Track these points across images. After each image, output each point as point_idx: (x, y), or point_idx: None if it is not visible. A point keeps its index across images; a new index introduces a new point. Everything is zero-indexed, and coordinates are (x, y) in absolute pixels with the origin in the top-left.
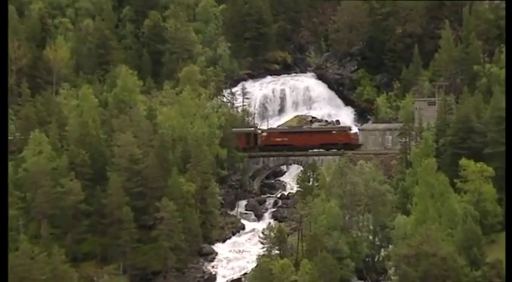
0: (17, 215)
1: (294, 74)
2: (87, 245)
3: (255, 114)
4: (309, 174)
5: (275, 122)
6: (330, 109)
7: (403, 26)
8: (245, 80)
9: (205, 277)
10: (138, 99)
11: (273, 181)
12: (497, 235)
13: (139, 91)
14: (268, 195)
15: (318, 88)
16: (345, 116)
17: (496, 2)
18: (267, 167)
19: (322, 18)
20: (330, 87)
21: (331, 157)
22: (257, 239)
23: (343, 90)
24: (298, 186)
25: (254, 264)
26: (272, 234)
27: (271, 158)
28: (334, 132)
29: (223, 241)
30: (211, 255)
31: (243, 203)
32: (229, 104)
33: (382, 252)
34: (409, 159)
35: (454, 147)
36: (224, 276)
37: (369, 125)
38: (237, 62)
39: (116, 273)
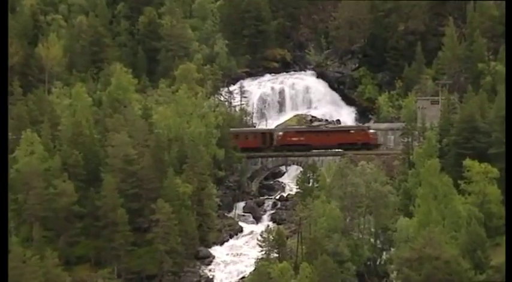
0: (9, 217)
1: (293, 72)
2: (80, 248)
3: (253, 113)
4: (308, 175)
5: (274, 122)
6: (331, 108)
7: (405, 23)
8: (243, 78)
9: (202, 281)
10: (132, 98)
11: (271, 182)
12: (502, 238)
13: (134, 90)
14: (267, 196)
15: (318, 87)
16: (346, 116)
17: None
18: (265, 168)
19: (323, 14)
20: (331, 85)
21: (331, 157)
22: (255, 241)
23: (343, 88)
24: (297, 187)
25: (252, 268)
26: (271, 237)
27: (270, 159)
28: (352, 131)
29: (221, 244)
30: (208, 259)
31: (241, 204)
32: (226, 103)
33: (384, 256)
34: (411, 160)
35: (458, 147)
36: (221, 280)
37: (371, 125)
38: (234, 59)
39: (110, 277)
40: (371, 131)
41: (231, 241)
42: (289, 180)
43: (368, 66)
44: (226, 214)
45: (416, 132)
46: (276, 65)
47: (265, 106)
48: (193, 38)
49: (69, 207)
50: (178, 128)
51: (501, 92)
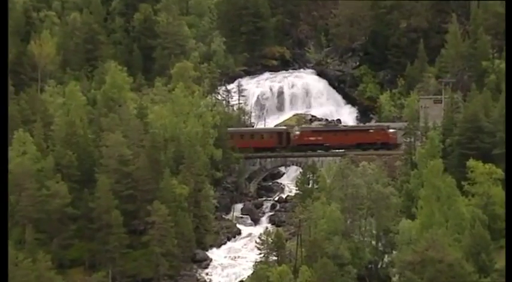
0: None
1: (292, 71)
2: (74, 251)
3: (251, 112)
4: (308, 176)
5: (272, 121)
6: (331, 107)
7: (407, 20)
8: (241, 76)
9: None
10: (128, 96)
11: (270, 183)
12: None
13: (130, 88)
14: (266, 198)
15: (317, 85)
16: (347, 115)
17: None
18: (264, 169)
19: (322, 11)
20: (331, 84)
21: (331, 158)
22: (254, 244)
23: (344, 87)
24: (297, 188)
25: (250, 271)
26: (269, 239)
27: (269, 159)
28: (371, 131)
29: (218, 247)
30: (205, 262)
31: (239, 206)
32: (224, 102)
33: (386, 259)
34: (414, 160)
35: (462, 147)
36: None
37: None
38: (232, 57)
39: (104, 280)
40: (391, 130)
41: (229, 244)
42: (289, 182)
43: (369, 65)
44: (223, 216)
45: (419, 132)
46: (274, 63)
47: (263, 105)
48: (190, 35)
49: (63, 208)
50: (175, 128)
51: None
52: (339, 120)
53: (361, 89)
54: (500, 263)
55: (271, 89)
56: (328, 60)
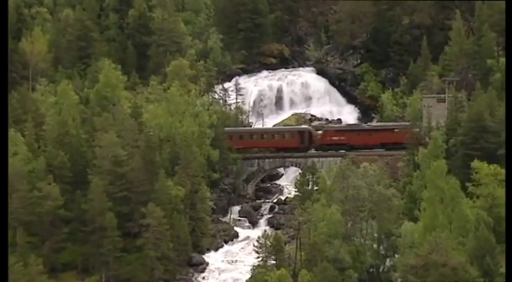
0: None
1: (291, 69)
2: (66, 255)
3: (249, 112)
4: (308, 177)
5: (271, 121)
6: (331, 106)
7: (410, 16)
8: (239, 74)
9: None
10: (122, 95)
11: (269, 185)
12: None
13: (124, 87)
14: (264, 200)
15: (317, 84)
16: (347, 114)
17: None
18: (262, 170)
19: (322, 7)
20: (331, 82)
21: (332, 159)
22: (251, 247)
23: (345, 86)
24: (296, 190)
25: (248, 276)
26: (268, 242)
27: (267, 160)
28: (396, 130)
29: (215, 250)
30: (201, 266)
31: (237, 208)
32: (221, 101)
33: (388, 262)
34: (416, 161)
35: (466, 148)
36: None
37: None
38: (229, 55)
39: None
40: (416, 129)
41: (226, 247)
42: (288, 183)
43: (371, 62)
44: (220, 218)
45: (422, 132)
46: (273, 60)
47: (261, 104)
48: (186, 32)
49: (55, 211)
50: (170, 128)
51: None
52: (339, 120)
53: (362, 87)
54: None
55: (269, 88)
56: (329, 58)
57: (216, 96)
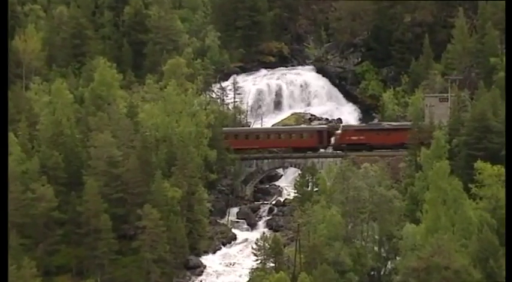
0: None
1: (291, 67)
2: (60, 257)
3: (247, 111)
4: (307, 178)
5: (270, 120)
6: (331, 106)
7: (412, 14)
8: (237, 73)
9: None
10: (117, 94)
11: (267, 186)
12: None
13: (119, 86)
14: (263, 201)
15: (317, 83)
16: (348, 114)
17: None
18: (261, 171)
19: (322, 5)
20: (331, 81)
21: (332, 159)
22: (250, 250)
23: (345, 85)
24: (295, 191)
25: (247, 279)
26: (267, 245)
27: (266, 161)
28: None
29: (213, 252)
30: (199, 269)
31: (235, 210)
32: (219, 100)
33: (389, 265)
34: (418, 162)
35: (469, 148)
36: None
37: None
38: (227, 53)
39: None
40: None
41: (224, 249)
42: (287, 184)
43: (372, 61)
44: (218, 220)
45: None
46: (272, 59)
47: (260, 104)
48: (183, 30)
49: (49, 213)
50: (167, 128)
51: None
52: (339, 120)
53: (363, 86)
54: None
55: (268, 87)
56: (329, 57)
57: (214, 96)
